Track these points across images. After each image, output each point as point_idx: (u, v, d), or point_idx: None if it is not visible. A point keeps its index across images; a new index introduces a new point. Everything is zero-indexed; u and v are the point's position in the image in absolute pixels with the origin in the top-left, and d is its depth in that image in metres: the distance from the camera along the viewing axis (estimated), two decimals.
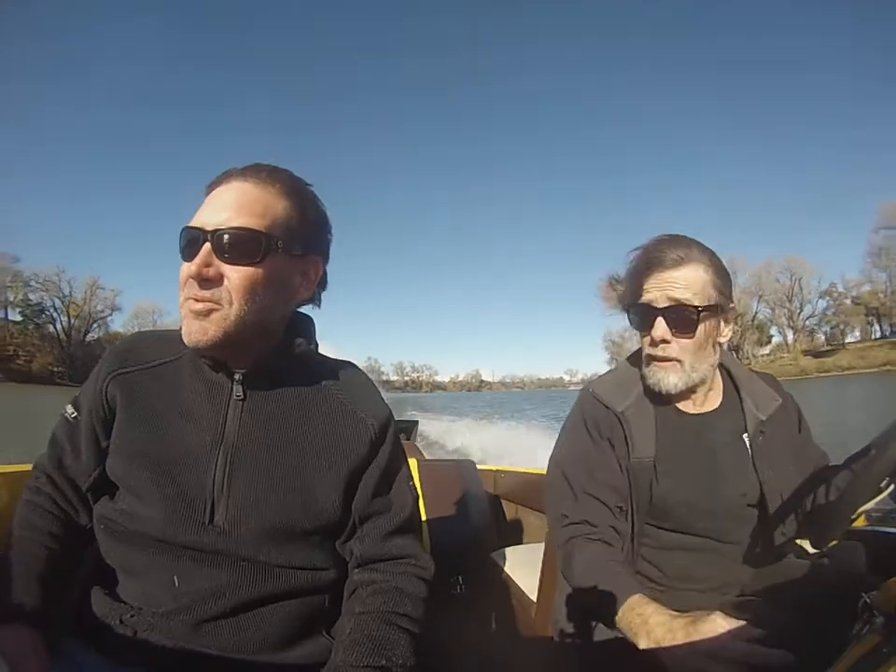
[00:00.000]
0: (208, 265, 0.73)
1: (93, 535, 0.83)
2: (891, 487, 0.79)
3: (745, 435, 1.07)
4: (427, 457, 2.66)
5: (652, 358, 1.04)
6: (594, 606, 0.90)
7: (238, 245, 0.74)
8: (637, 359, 1.13)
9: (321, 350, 0.91)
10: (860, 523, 1.22)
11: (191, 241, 0.75)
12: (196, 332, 0.74)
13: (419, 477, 1.97)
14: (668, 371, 1.02)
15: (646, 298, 1.02)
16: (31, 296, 63.50)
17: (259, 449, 0.79)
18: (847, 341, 62.79)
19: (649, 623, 0.77)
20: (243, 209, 0.75)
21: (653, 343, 1.02)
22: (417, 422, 3.90)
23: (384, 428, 0.86)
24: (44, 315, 64.36)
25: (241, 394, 0.80)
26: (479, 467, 2.28)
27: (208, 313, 0.74)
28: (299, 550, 0.79)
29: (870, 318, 62.27)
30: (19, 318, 62.05)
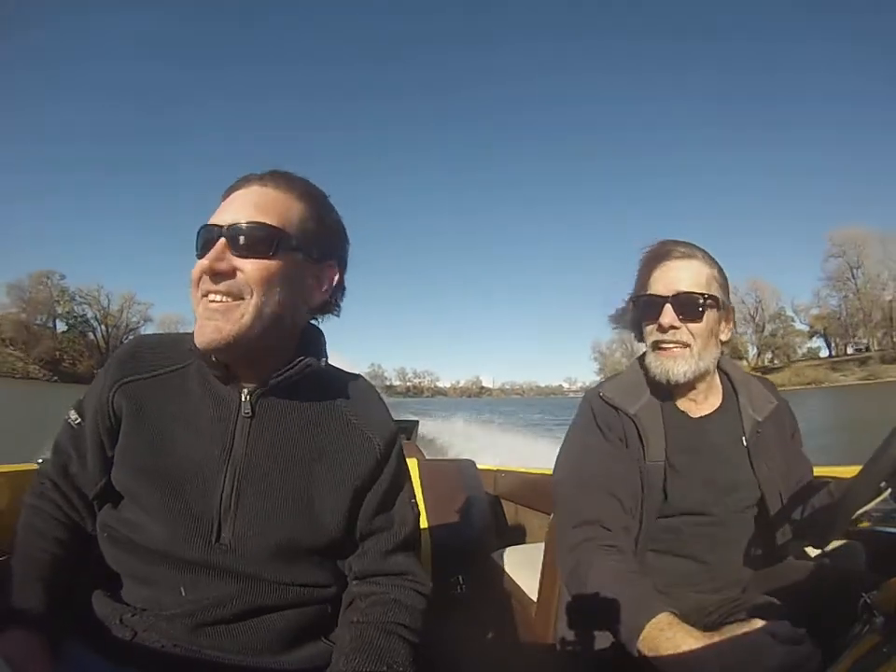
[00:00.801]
0: (220, 259, 0.73)
1: (97, 541, 0.82)
2: (891, 488, 0.79)
3: (742, 437, 1.08)
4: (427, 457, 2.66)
5: (659, 345, 1.04)
6: (607, 620, 0.88)
7: (251, 239, 0.74)
8: (643, 362, 1.13)
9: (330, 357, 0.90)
10: (860, 523, 1.22)
11: (207, 238, 0.75)
12: (210, 332, 0.73)
13: (419, 477, 1.97)
14: (677, 358, 1.02)
15: (653, 289, 1.05)
16: (76, 308, 72.61)
17: (266, 468, 0.78)
18: (822, 355, 65.70)
19: (679, 647, 0.74)
20: (259, 208, 0.76)
21: (662, 330, 1.03)
22: (417, 422, 3.89)
23: (388, 447, 0.85)
24: (86, 325, 73.16)
25: (249, 411, 0.79)
26: (479, 466, 2.28)
27: (226, 311, 0.73)
28: (302, 567, 0.79)
29: (830, 338, 65.27)
30: (65, 328, 71.10)
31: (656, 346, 1.05)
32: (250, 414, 0.79)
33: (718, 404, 1.11)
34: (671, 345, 1.03)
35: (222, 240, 0.74)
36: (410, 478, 0.92)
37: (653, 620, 0.79)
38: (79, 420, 0.83)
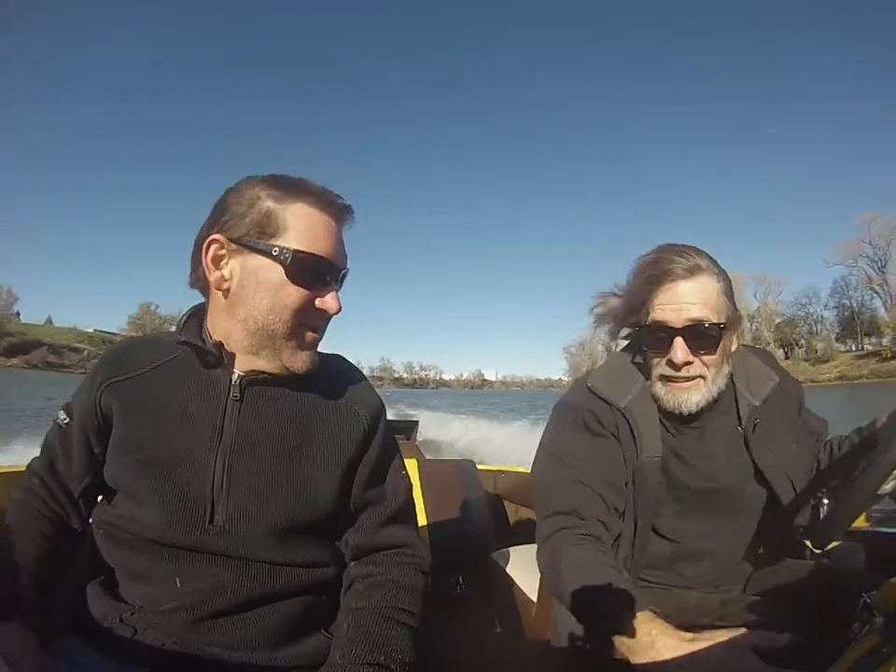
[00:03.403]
0: (339, 302, 0.80)
1: (84, 538, 0.83)
2: (892, 488, 0.79)
3: (739, 427, 1.04)
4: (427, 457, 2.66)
5: (670, 379, 0.97)
6: (582, 611, 0.86)
7: (341, 286, 0.82)
8: (632, 353, 1.07)
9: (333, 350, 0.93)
10: (860, 523, 1.22)
11: (323, 271, 0.79)
12: (314, 362, 0.81)
13: (419, 477, 1.97)
14: (690, 390, 0.96)
15: (659, 316, 0.95)
16: (167, 329, 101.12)
17: (256, 448, 0.79)
18: None
19: (656, 645, 0.72)
20: (344, 250, 0.83)
21: (673, 367, 0.95)
22: (417, 422, 3.87)
23: (375, 419, 0.87)
24: None
25: (237, 394, 0.80)
26: (479, 467, 2.28)
27: (315, 343, 0.82)
28: (298, 547, 0.79)
29: None
30: None
31: (666, 380, 0.97)
32: (238, 398, 0.80)
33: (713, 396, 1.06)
34: (683, 381, 0.96)
35: (335, 285, 0.80)
36: (399, 450, 0.92)
37: (629, 616, 0.76)
38: (67, 420, 0.84)
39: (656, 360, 0.98)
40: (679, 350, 0.93)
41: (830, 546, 0.95)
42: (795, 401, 1.12)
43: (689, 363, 0.94)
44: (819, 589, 0.95)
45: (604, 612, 0.81)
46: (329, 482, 0.81)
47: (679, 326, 0.92)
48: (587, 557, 0.89)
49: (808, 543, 1.09)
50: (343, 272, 0.82)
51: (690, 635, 0.73)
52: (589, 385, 1.05)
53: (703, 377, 0.96)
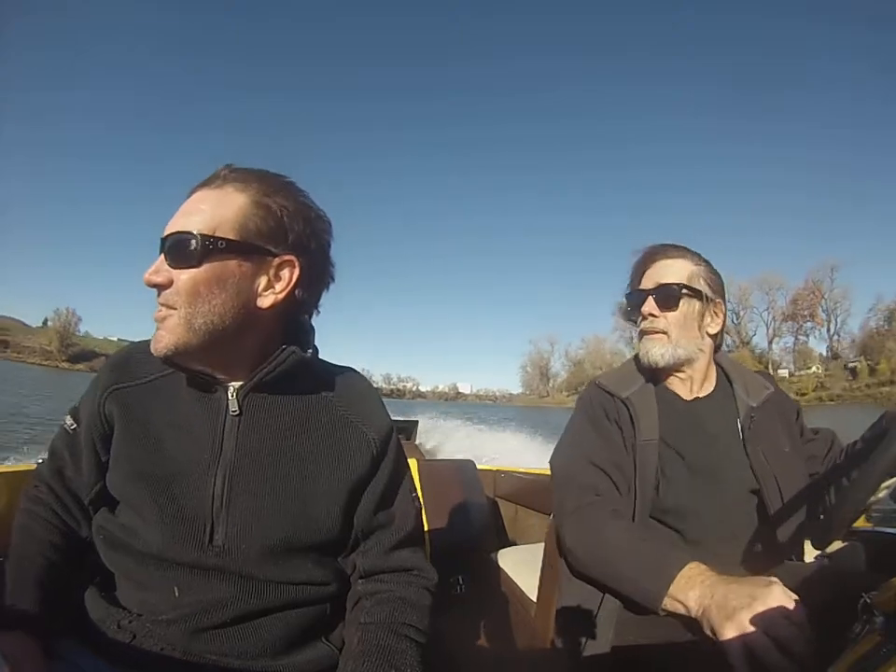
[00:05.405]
0: (157, 271, 0.73)
1: (93, 544, 0.82)
2: (892, 487, 0.79)
3: (737, 419, 1.12)
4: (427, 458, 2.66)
5: (643, 333, 1.15)
6: (627, 578, 0.91)
7: (177, 249, 0.73)
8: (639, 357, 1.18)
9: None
10: (860, 523, 1.22)
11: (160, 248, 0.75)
12: (154, 341, 0.74)
13: (419, 477, 1.97)
14: (654, 341, 1.12)
15: (640, 285, 1.16)
16: None
17: (257, 465, 0.77)
18: None
19: (704, 573, 0.81)
20: (191, 214, 0.74)
21: (644, 319, 1.14)
22: (417, 422, 3.88)
23: (385, 441, 0.84)
24: None
25: (236, 409, 0.78)
26: (479, 467, 2.29)
27: (163, 320, 0.73)
28: (299, 565, 0.78)
29: None
30: None
31: (641, 335, 1.15)
32: (238, 412, 0.78)
33: (711, 389, 1.17)
34: (651, 333, 1.12)
35: (162, 254, 0.74)
36: (409, 472, 0.91)
37: (684, 569, 0.83)
38: (75, 425, 0.83)
39: (640, 321, 1.16)
40: (647, 305, 1.13)
41: (830, 546, 0.95)
42: (792, 412, 1.21)
43: (654, 316, 1.12)
44: (819, 589, 0.95)
45: (654, 571, 0.87)
46: (331, 503, 0.79)
47: (651, 287, 1.13)
48: (626, 526, 1.00)
49: (809, 544, 1.09)
50: (168, 237, 0.73)
51: (742, 578, 0.80)
52: (597, 382, 1.21)
53: (666, 333, 1.12)
